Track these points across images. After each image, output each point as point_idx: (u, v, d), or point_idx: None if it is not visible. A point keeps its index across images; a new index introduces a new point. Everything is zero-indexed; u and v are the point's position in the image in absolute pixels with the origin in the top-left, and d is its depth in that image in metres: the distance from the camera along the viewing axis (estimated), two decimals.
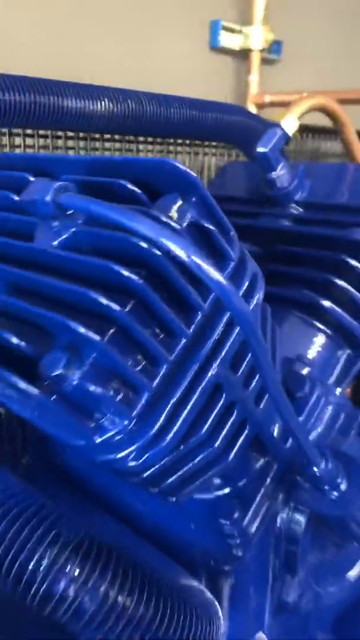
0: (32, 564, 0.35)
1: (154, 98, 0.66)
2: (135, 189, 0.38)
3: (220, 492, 0.48)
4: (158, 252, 0.35)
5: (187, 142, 1.13)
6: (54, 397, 0.35)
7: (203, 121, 0.69)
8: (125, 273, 0.35)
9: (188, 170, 0.37)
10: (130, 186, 0.38)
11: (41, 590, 0.34)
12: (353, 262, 0.62)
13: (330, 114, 0.73)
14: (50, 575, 0.35)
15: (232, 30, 1.41)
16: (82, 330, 0.33)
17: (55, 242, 0.38)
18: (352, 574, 0.58)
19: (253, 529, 0.49)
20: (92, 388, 0.34)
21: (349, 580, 0.57)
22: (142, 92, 0.66)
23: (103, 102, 0.59)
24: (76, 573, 0.35)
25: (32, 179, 0.42)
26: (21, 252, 0.40)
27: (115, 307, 0.34)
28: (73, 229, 0.38)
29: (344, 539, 0.55)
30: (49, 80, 0.54)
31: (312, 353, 0.61)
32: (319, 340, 0.62)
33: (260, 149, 0.65)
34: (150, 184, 0.39)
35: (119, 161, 0.40)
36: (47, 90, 0.51)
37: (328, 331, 0.62)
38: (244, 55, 1.43)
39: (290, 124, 0.65)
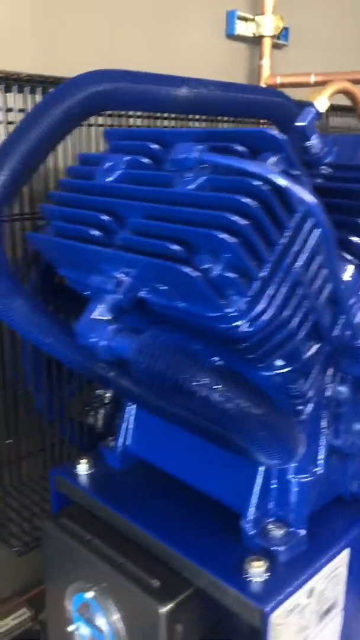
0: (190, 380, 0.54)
1: (216, 85, 0.85)
2: (245, 149, 0.57)
3: (289, 368, 0.69)
4: (267, 186, 0.54)
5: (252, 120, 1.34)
6: (205, 282, 0.54)
7: (253, 102, 0.88)
8: (246, 200, 0.54)
9: (279, 136, 0.57)
10: (240, 148, 0.57)
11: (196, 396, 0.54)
12: None
13: (350, 94, 0.93)
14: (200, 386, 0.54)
15: (246, 20, 1.59)
16: (223, 236, 0.53)
17: (193, 186, 0.57)
18: None
19: (311, 393, 0.70)
20: (228, 275, 0.54)
21: None
22: (208, 80, 0.84)
23: (183, 89, 0.78)
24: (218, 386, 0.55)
25: (154, 146, 0.62)
26: (166, 195, 0.59)
27: (241, 222, 0.54)
28: (205, 177, 0.57)
29: None
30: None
31: (344, 277, 0.81)
32: (349, 268, 0.82)
33: (299, 123, 0.84)
34: (251, 146, 0.58)
35: (230, 131, 0.59)
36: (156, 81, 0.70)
37: (356, 261, 0.82)
38: (256, 41, 1.62)
39: (321, 103, 0.85)
